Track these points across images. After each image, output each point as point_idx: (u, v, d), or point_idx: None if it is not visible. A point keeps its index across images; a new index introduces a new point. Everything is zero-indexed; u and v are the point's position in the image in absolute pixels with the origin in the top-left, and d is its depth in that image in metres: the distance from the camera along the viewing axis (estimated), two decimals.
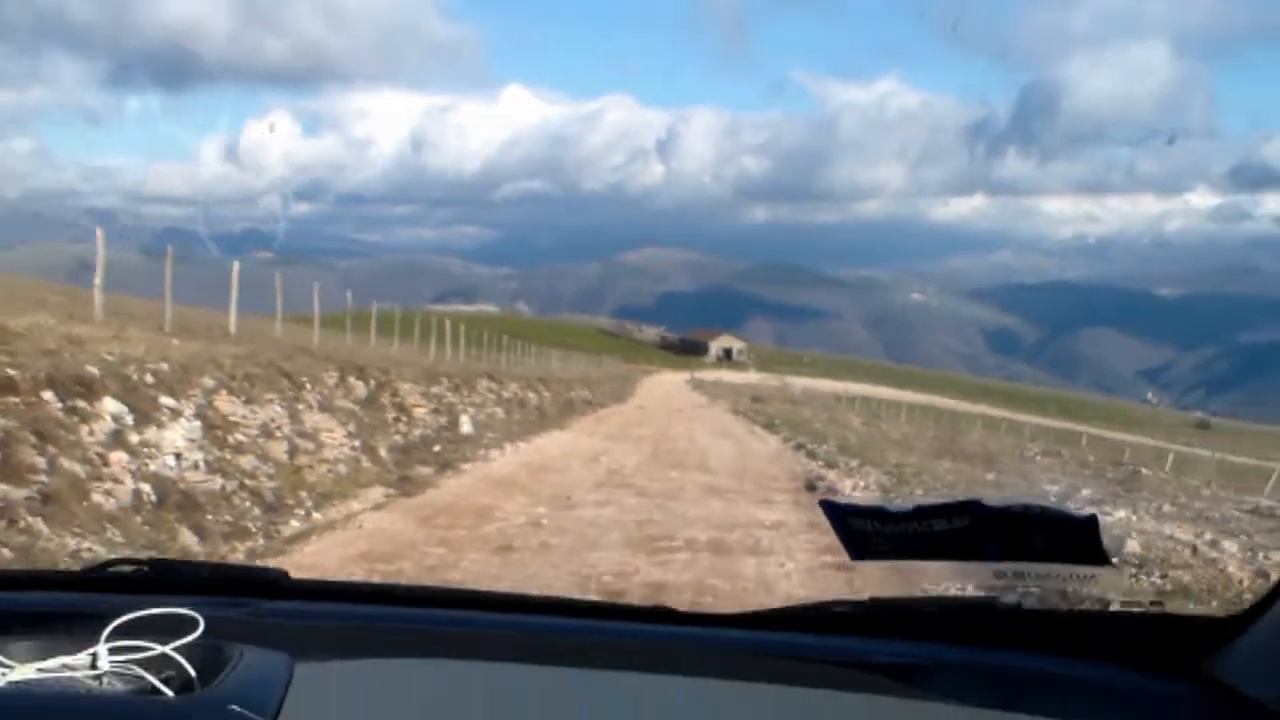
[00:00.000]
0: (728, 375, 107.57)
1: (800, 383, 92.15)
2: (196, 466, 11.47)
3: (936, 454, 25.88)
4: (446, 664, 1.45)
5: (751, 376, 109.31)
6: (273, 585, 1.66)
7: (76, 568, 2.33)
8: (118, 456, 10.14)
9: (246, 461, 12.43)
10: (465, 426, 21.86)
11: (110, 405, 10.76)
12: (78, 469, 9.53)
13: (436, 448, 19.42)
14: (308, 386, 16.88)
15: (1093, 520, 1.36)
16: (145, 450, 10.72)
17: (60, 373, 10.70)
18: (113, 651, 1.26)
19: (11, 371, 10.26)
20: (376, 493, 13.37)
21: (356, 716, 1.32)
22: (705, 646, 1.50)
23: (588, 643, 1.52)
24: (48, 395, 10.25)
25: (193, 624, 1.29)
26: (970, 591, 1.48)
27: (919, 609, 1.55)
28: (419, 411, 22.44)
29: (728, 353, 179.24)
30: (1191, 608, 8.35)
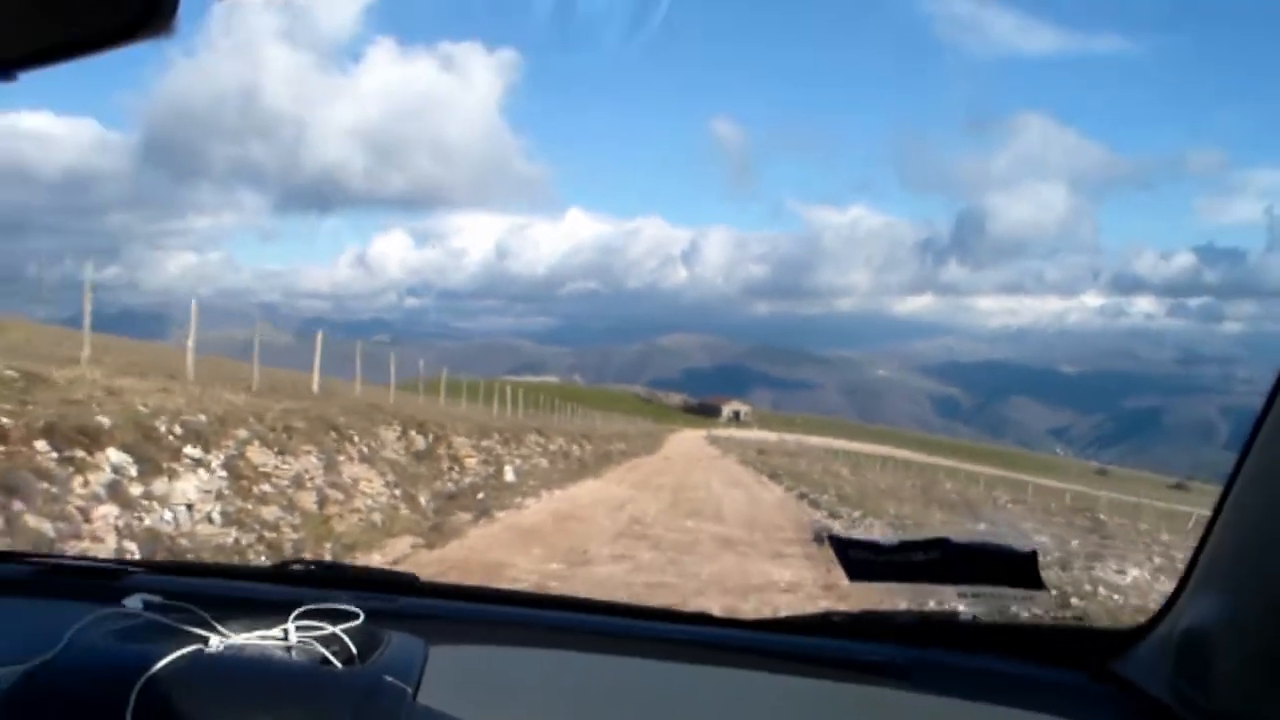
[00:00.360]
0: (737, 433, 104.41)
1: (793, 438, 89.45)
2: (210, 519, 8.74)
3: (925, 504, 22.99)
4: (545, 653, 1.49)
5: (755, 434, 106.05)
6: (407, 585, 1.71)
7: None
8: (105, 511, 7.43)
9: (270, 512, 9.68)
10: (509, 475, 19.03)
11: (113, 455, 8.09)
12: (47, 527, 6.80)
13: (480, 495, 16.62)
14: (355, 439, 14.21)
15: (1033, 554, 1.41)
16: (145, 503, 8.01)
17: (65, 422, 8.02)
18: (297, 630, 1.33)
19: (4, 420, 7.62)
20: (404, 543, 10.56)
21: (475, 690, 1.35)
22: (734, 645, 1.55)
23: (649, 638, 1.57)
24: (40, 445, 7.57)
25: (354, 614, 1.37)
26: (941, 607, 1.50)
27: (901, 619, 1.54)
28: (470, 461, 19.64)
29: (736, 414, 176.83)
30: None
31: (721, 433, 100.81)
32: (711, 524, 14.16)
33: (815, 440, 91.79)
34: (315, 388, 20.62)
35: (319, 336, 22.19)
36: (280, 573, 1.78)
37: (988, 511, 25.14)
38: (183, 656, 1.19)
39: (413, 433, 18.73)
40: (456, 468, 18.89)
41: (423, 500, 14.46)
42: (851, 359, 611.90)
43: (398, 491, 13.64)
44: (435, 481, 17.18)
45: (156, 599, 1.45)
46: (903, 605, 1.60)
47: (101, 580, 1.62)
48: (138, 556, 7.20)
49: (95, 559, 1.90)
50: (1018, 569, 1.41)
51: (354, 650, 1.32)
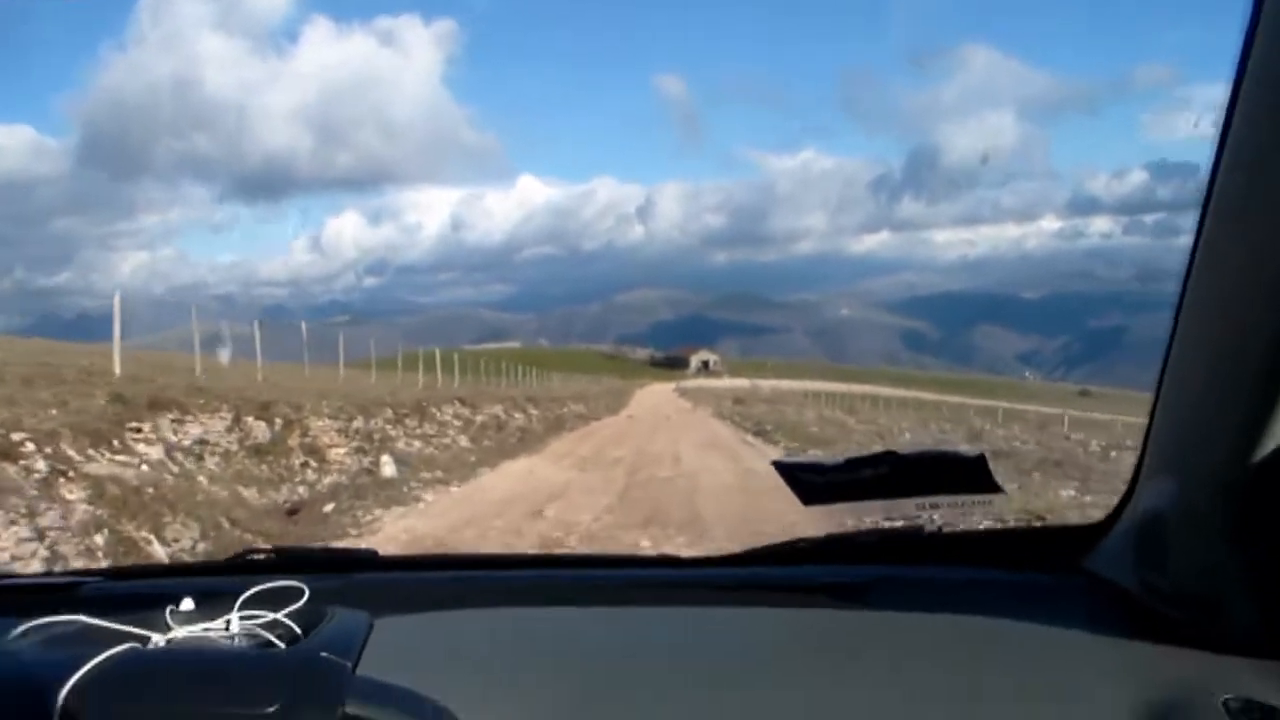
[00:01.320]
0: (707, 383, 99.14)
1: (767, 384, 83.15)
2: None
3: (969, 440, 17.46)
4: (496, 612, 1.43)
5: (726, 382, 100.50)
6: (365, 561, 1.67)
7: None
8: None
9: None
10: (387, 469, 13.13)
11: None
12: None
13: (329, 506, 10.83)
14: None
15: (982, 457, 1.39)
16: None
17: None
18: (242, 619, 1.29)
19: None
20: None
21: (423, 659, 1.29)
22: (701, 582, 1.53)
23: (610, 586, 1.54)
24: None
25: (300, 593, 1.33)
26: (900, 523, 1.47)
27: (864, 539, 1.49)
28: (337, 453, 13.74)
29: (705, 364, 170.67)
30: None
31: (691, 384, 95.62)
32: (682, 535, 8.37)
33: (790, 384, 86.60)
34: (199, 370, 16.86)
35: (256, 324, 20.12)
36: (239, 563, 1.72)
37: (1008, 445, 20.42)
38: (114, 656, 1.12)
39: (250, 419, 12.88)
40: (314, 463, 13.04)
41: (239, 518, 8.87)
42: (814, 301, 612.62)
43: None
44: (272, 489, 11.46)
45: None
46: (863, 523, 1.46)
47: (52, 593, 1.55)
48: None
49: (51, 574, 2.00)
50: (970, 474, 1.40)
51: (298, 630, 1.27)
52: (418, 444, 16.14)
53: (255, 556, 1.71)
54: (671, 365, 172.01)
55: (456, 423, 19.96)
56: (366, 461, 13.54)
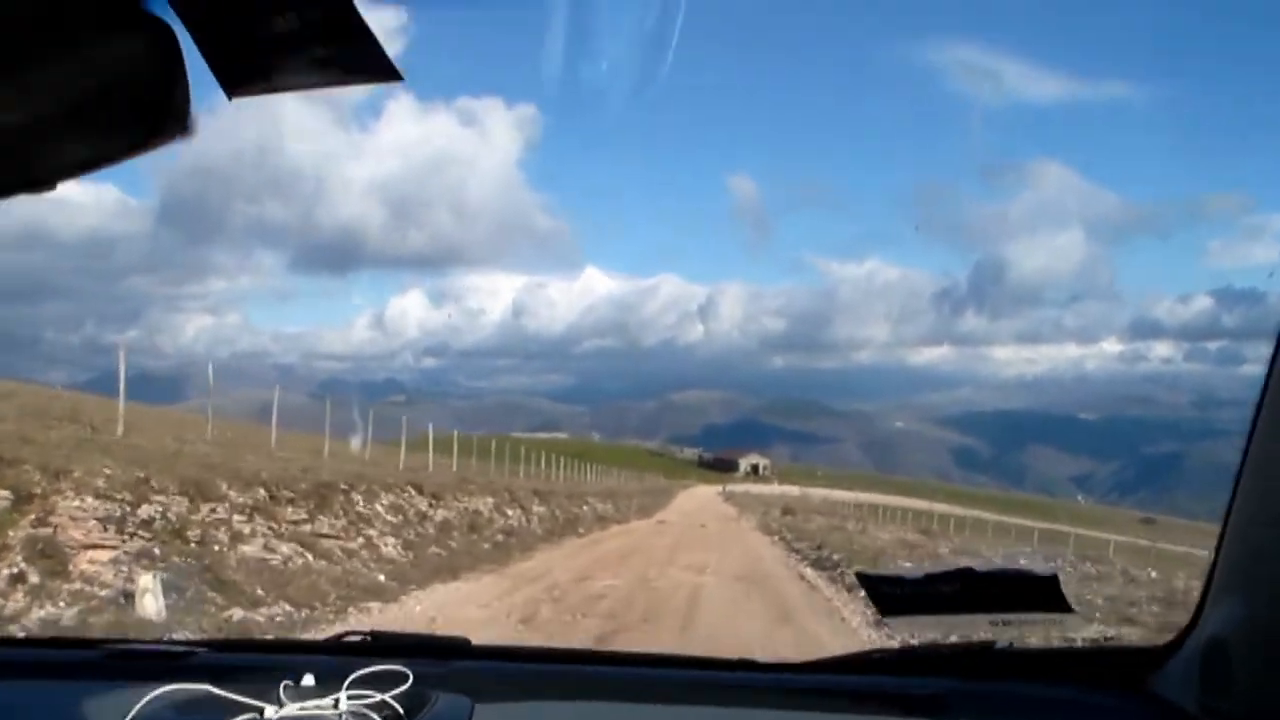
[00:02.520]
0: (754, 488, 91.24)
1: (818, 493, 75.98)
2: None
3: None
4: (589, 705, 1.51)
5: (776, 489, 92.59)
6: (461, 649, 1.73)
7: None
8: None
9: None
10: (147, 601, 7.12)
11: None
12: None
13: None
14: None
15: (1054, 576, 1.43)
16: None
17: None
18: (350, 698, 1.36)
19: None
20: None
21: None
22: (778, 688, 1.56)
23: (692, 685, 1.58)
24: None
25: (404, 677, 1.40)
26: (975, 637, 1.50)
27: (940, 652, 1.54)
28: (91, 560, 7.87)
29: (755, 468, 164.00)
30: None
31: (739, 488, 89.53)
32: None
33: (842, 494, 79.26)
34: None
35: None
36: (339, 644, 1.83)
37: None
38: None
39: None
40: (35, 575, 7.21)
41: None
42: (868, 411, 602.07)
43: None
44: None
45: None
46: (938, 637, 1.50)
47: (167, 661, 1.65)
48: None
49: (161, 641, 2.03)
50: (1041, 593, 1.43)
51: (402, 713, 1.35)
52: (285, 549, 10.08)
53: (353, 638, 1.81)
54: (720, 467, 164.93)
55: (391, 518, 13.89)
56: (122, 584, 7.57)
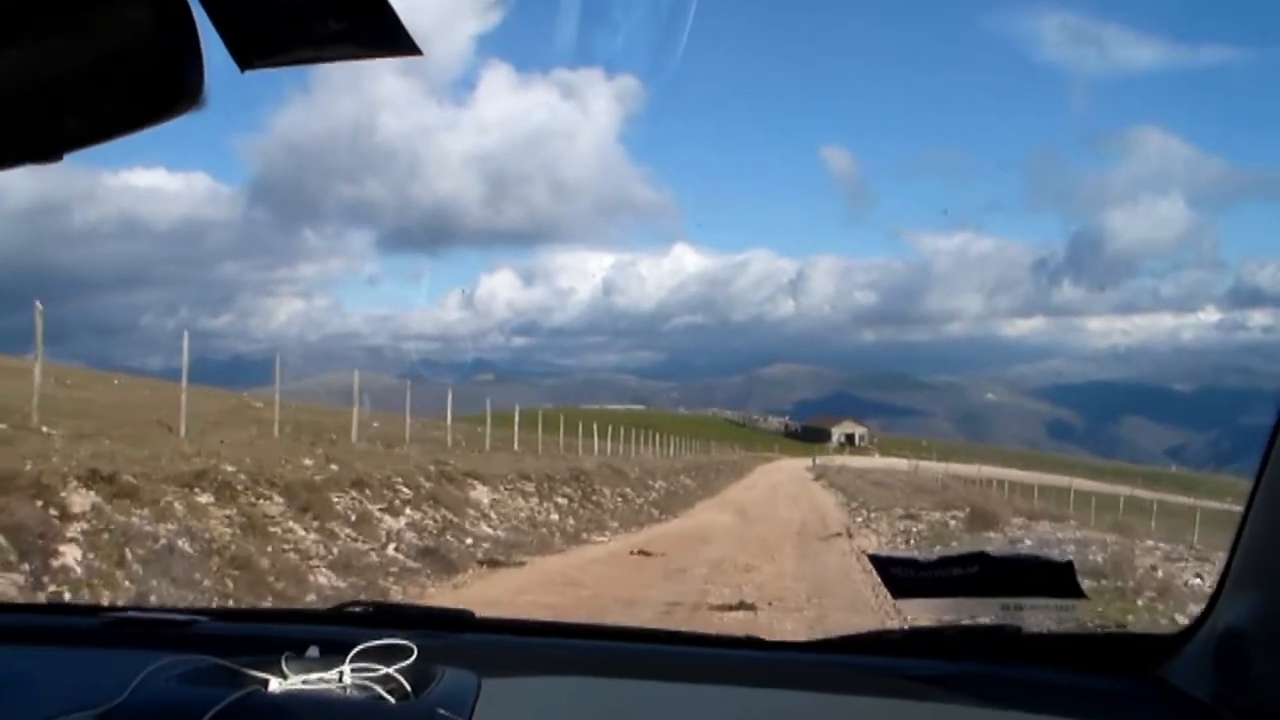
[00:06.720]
0: (853, 460, 74.60)
1: (935, 466, 63.48)
2: None
3: None
4: (598, 680, 1.48)
5: (879, 461, 78.67)
6: (464, 621, 1.69)
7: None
8: None
9: None
10: None
11: None
12: None
13: None
14: None
15: (1069, 564, 1.43)
16: None
17: None
18: (353, 671, 1.34)
19: None
20: None
21: (528, 719, 1.37)
22: (788, 666, 1.55)
23: (700, 663, 1.56)
24: None
25: (409, 651, 1.36)
26: (985, 620, 1.49)
27: (949, 633, 1.52)
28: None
29: (850, 438, 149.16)
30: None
31: (832, 461, 73.45)
32: None
33: (958, 468, 66.35)
34: None
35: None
36: (340, 614, 1.79)
37: None
38: (242, 698, 1.22)
39: None
40: None
41: None
42: (960, 384, 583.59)
43: None
44: None
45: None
46: (949, 619, 1.48)
47: (169, 630, 1.63)
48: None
49: (163, 609, 1.97)
50: (1056, 580, 1.42)
51: (408, 687, 1.33)
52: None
53: (356, 609, 1.76)
54: (809, 437, 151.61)
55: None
56: None
